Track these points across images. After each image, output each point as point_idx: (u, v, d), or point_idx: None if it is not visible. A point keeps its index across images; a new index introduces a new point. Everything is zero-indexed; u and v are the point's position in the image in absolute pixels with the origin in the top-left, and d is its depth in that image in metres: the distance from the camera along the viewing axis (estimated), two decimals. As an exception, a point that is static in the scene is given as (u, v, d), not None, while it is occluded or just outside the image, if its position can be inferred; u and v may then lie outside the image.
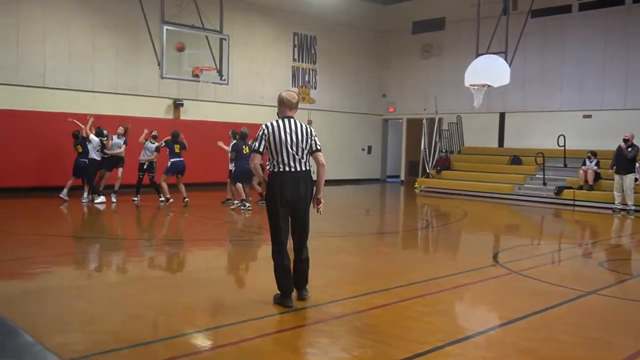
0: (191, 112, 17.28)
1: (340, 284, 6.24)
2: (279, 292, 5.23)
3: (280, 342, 4.43)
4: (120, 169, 13.12)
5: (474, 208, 14.75)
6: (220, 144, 13.03)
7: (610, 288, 6.51)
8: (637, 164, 13.86)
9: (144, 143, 12.80)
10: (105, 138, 13.17)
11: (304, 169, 5.16)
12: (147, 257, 8.08)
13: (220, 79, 14.23)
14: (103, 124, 13.52)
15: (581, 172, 15.42)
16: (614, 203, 13.97)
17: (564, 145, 16.48)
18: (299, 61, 20.49)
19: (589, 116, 17.51)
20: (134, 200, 12.87)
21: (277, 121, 5.18)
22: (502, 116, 19.71)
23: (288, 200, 5.11)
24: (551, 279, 6.62)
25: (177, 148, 12.58)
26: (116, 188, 13.11)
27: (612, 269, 7.85)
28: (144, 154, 12.81)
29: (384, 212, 15.25)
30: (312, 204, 5.32)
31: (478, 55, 15.34)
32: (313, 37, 20.83)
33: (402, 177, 22.89)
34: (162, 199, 12.74)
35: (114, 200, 12.93)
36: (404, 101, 22.46)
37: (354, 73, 22.12)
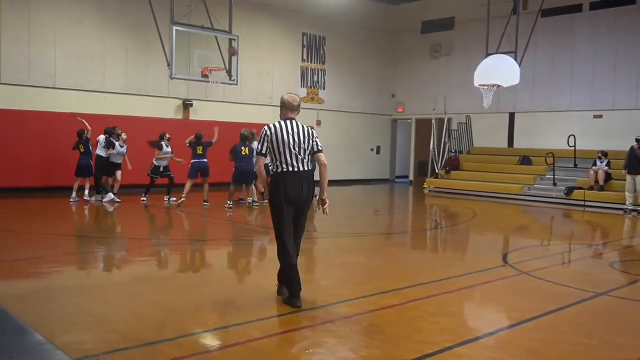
0: (200, 113, 17.34)
1: (348, 285, 6.24)
2: (286, 291, 5.23)
3: (288, 342, 4.43)
4: (119, 172, 13.18)
5: (483, 209, 14.68)
6: (216, 131, 12.86)
7: (622, 290, 6.46)
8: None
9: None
10: (112, 138, 13.08)
11: (306, 169, 5.19)
12: (156, 256, 8.11)
13: (230, 80, 14.26)
14: (113, 125, 13.51)
15: (592, 172, 15.30)
16: (625, 204, 13.87)
17: (575, 146, 16.37)
18: (308, 61, 20.49)
19: (600, 116, 17.38)
20: (142, 201, 12.93)
21: (278, 123, 5.23)
22: (512, 116, 19.60)
23: (292, 200, 5.13)
24: (561, 280, 6.58)
25: (199, 150, 12.56)
26: (115, 191, 13.17)
27: (623, 270, 7.78)
28: (158, 160, 12.71)
29: (392, 212, 15.22)
30: (316, 206, 5.32)
31: (488, 55, 15.24)
32: (322, 37, 20.82)
33: (411, 178, 22.83)
34: (172, 198, 12.81)
35: (117, 200, 13.01)
36: (413, 101, 22.41)
37: (363, 73, 22.09)
